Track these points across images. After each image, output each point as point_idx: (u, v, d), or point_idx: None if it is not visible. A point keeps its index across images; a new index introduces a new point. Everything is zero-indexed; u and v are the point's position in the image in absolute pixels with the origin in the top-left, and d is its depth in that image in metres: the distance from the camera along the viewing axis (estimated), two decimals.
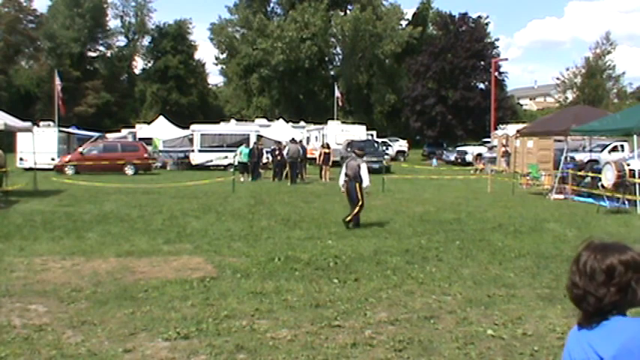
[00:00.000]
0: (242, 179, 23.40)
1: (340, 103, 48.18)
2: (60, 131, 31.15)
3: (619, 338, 1.77)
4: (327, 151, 24.70)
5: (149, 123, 41.57)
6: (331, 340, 5.05)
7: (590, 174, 17.48)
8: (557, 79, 58.40)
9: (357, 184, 11.20)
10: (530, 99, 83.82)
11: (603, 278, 1.81)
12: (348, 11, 60.07)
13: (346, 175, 11.39)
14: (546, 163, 23.78)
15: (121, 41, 68.93)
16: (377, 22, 56.71)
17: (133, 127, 41.00)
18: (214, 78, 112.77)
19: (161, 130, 35.65)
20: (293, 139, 25.55)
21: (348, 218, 11.22)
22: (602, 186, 15.49)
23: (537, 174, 21.05)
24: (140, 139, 32.99)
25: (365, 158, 29.68)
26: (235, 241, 9.82)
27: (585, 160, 20.77)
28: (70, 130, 34.84)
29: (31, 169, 22.55)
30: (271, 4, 63.86)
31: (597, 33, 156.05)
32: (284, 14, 60.62)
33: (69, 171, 26.63)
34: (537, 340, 5.06)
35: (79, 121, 48.93)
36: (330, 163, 24.97)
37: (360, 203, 11.23)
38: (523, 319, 5.64)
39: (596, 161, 22.59)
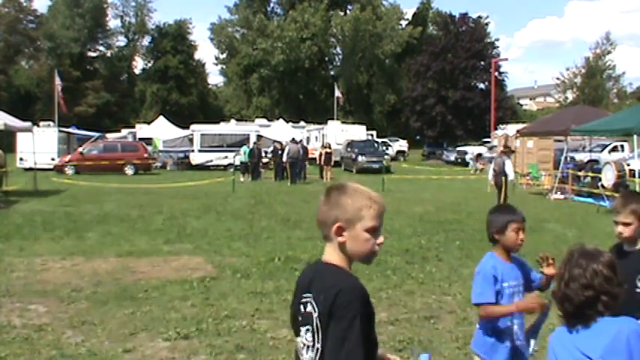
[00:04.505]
0: (242, 179, 23.42)
1: (341, 103, 48.19)
2: (60, 131, 31.15)
3: (604, 338, 1.82)
4: (328, 150, 24.71)
5: (149, 123, 41.55)
6: None
7: (590, 174, 17.48)
8: (557, 79, 58.45)
9: (503, 177, 13.24)
10: (530, 99, 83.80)
11: (614, 277, 1.88)
12: (348, 11, 60.07)
13: (494, 170, 13.61)
14: (546, 163, 23.77)
15: (121, 41, 69.06)
16: (377, 22, 56.70)
17: (133, 127, 40.97)
18: (214, 78, 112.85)
19: (161, 130, 35.64)
20: (293, 139, 25.56)
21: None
22: (602, 186, 15.49)
23: (537, 174, 21.06)
24: (140, 139, 32.97)
25: (367, 158, 30.01)
26: (235, 241, 9.82)
27: (585, 160, 20.77)
28: (70, 130, 34.84)
29: (31, 169, 22.53)
30: (271, 4, 63.91)
31: (597, 33, 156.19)
32: (284, 14, 60.62)
33: (69, 171, 26.63)
34: (537, 340, 5.05)
35: (79, 121, 48.92)
36: (332, 163, 24.97)
37: (505, 193, 13.12)
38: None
39: (596, 161, 22.58)
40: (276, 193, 18.50)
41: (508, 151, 14.63)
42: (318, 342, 1.71)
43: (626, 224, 2.87)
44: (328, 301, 1.68)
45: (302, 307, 1.80)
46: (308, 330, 1.76)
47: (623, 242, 2.97)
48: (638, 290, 2.73)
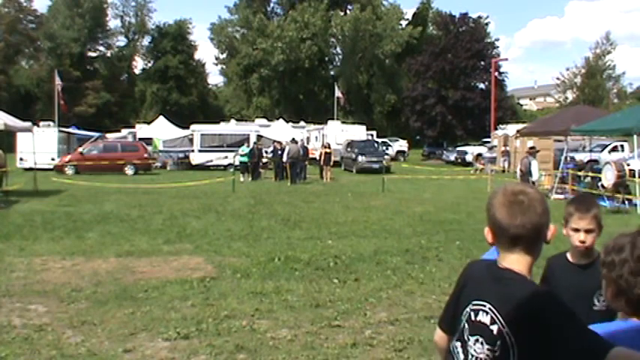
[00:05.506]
0: (242, 179, 23.42)
1: (342, 103, 48.16)
2: (60, 131, 31.16)
3: None
4: (327, 150, 24.70)
5: (149, 123, 41.54)
6: (331, 340, 5.04)
7: (590, 174, 17.47)
8: (557, 79, 58.56)
9: (530, 178, 13.70)
10: (530, 99, 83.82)
11: None
12: (348, 11, 60.04)
13: (520, 170, 14.17)
14: (546, 163, 23.78)
15: (121, 41, 69.06)
16: (377, 22, 56.68)
17: (133, 127, 40.96)
18: (214, 78, 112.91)
19: (161, 130, 35.65)
20: (293, 139, 25.54)
21: None
22: (602, 186, 15.49)
23: None
24: (140, 139, 32.97)
25: (367, 158, 30.14)
26: (235, 241, 9.82)
27: (585, 160, 20.77)
28: (70, 130, 34.84)
29: (31, 169, 22.53)
30: (271, 4, 63.91)
31: (597, 33, 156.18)
32: (284, 14, 60.59)
33: (69, 171, 26.63)
34: None
35: (79, 121, 48.92)
36: (332, 163, 24.96)
37: None
38: None
39: (596, 161, 22.59)
40: (276, 193, 18.50)
41: (534, 151, 14.97)
42: (506, 358, 1.61)
43: (588, 231, 2.64)
44: (532, 317, 1.57)
45: (472, 314, 1.71)
46: (478, 341, 1.68)
47: (576, 254, 2.73)
48: (595, 308, 2.55)
